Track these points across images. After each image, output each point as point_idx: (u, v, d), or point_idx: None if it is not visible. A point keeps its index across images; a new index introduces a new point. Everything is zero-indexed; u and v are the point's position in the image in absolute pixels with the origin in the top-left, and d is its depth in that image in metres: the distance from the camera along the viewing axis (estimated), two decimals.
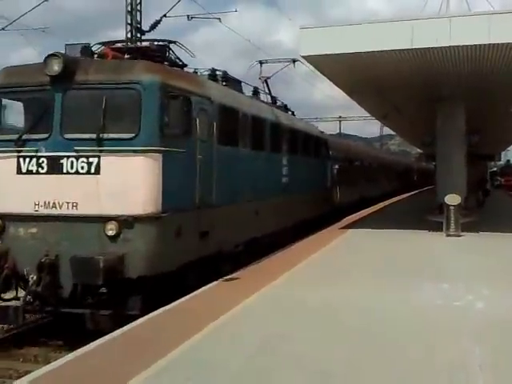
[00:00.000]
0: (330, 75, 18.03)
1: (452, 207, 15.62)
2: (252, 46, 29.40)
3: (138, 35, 20.43)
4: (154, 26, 20.02)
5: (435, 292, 8.69)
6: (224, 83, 12.69)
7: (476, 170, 31.77)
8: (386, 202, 32.77)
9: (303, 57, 15.22)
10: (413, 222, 18.49)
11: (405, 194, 44.38)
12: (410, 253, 12.94)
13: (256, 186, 12.76)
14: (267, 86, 17.93)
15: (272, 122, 14.59)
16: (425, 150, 43.19)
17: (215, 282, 9.45)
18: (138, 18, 21.58)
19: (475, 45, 14.02)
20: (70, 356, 5.85)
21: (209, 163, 9.89)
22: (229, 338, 6.40)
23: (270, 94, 17.75)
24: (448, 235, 15.60)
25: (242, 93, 13.96)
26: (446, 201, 15.87)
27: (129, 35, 20.52)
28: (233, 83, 13.21)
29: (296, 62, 19.03)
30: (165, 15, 14.25)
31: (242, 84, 14.85)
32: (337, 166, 23.49)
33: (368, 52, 14.69)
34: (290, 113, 18.63)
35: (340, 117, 63.95)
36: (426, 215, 19.68)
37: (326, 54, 14.95)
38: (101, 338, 6.39)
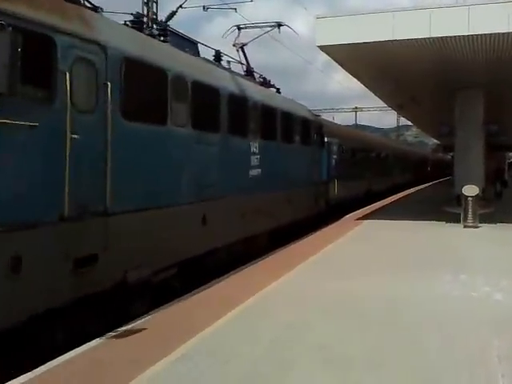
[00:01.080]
0: (346, 65, 17.95)
1: (470, 198, 15.47)
2: (268, 36, 29.36)
3: (155, 26, 20.53)
4: (170, 17, 20.05)
5: (453, 283, 8.64)
6: (162, 39, 9.56)
7: (494, 161, 31.40)
8: (396, 196, 31.28)
9: (319, 47, 15.14)
10: (430, 214, 18.38)
11: (417, 186, 42.55)
12: (428, 244, 12.85)
13: (203, 182, 9.32)
14: (244, 53, 15.19)
15: (232, 94, 10.84)
16: (442, 141, 42.85)
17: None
18: (155, 9, 21.60)
19: (494, 33, 13.87)
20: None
21: (96, 147, 6.46)
22: None
23: (246, 63, 14.92)
24: (465, 226, 15.48)
25: (198, 56, 10.79)
26: (463, 192, 15.73)
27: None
28: (178, 41, 10.00)
29: (282, 27, 16.14)
30: (181, 6, 14.15)
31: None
32: (335, 156, 20.39)
33: (385, 41, 14.60)
34: (274, 90, 15.58)
35: (356, 107, 63.69)
36: (443, 206, 19.53)
37: (343, 44, 14.89)
38: None
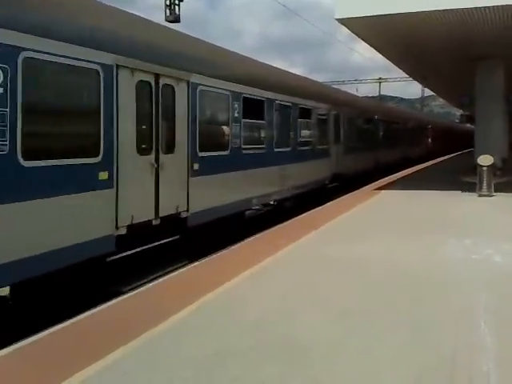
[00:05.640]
0: (366, 38, 18.15)
1: (484, 168, 15.80)
2: (288, 9, 28.87)
3: (177, 1, 21.05)
4: None
5: (457, 247, 9.14)
6: None
7: None
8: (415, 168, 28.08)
9: (338, 20, 15.38)
10: (447, 183, 18.75)
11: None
12: (439, 212, 13.34)
13: None
14: None
15: None
16: (465, 111, 42.53)
17: None
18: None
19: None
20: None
21: None
22: None
23: None
24: (480, 195, 15.84)
25: None
26: (478, 161, 16.06)
27: (167, 2, 21.01)
28: None
29: None
30: None
31: None
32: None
33: (405, 13, 14.76)
34: None
35: (380, 78, 63.24)
36: (460, 176, 19.84)
37: (362, 17, 15.10)
38: None
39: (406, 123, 35.01)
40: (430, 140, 45.32)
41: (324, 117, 18.58)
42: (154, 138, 8.73)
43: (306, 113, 16.55)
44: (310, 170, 16.85)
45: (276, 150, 14.07)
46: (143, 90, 8.51)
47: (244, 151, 12.17)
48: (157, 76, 8.80)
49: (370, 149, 25.40)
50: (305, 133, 16.72)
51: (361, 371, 4.47)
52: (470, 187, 16.80)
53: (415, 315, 5.82)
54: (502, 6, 14.18)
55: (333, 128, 19.44)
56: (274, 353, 4.82)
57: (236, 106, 11.80)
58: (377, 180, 22.00)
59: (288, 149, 15.09)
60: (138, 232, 8.21)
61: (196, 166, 9.92)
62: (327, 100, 19.10)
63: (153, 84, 8.73)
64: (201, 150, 10.15)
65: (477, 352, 4.83)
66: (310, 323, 5.58)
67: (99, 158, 7.44)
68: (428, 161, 35.04)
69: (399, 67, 26.26)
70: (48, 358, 4.81)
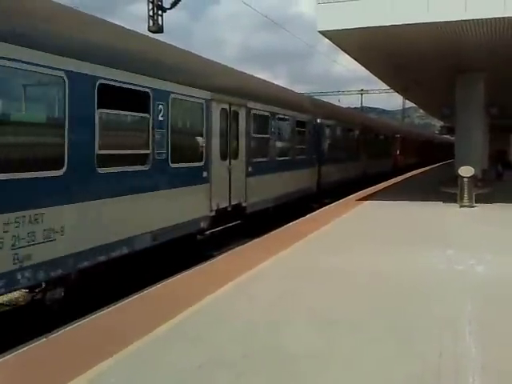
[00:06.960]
0: (348, 50, 18.28)
1: (465, 179, 16.00)
2: (271, 20, 29.07)
3: (160, 12, 21.03)
4: (175, 3, 20.51)
5: (440, 257, 9.21)
6: None
7: (497, 142, 31.74)
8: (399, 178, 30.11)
9: (320, 32, 15.48)
10: (428, 194, 18.93)
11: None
12: (421, 223, 13.46)
13: None
14: None
15: None
16: (445, 123, 43.11)
17: None
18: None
19: (490, 18, 14.20)
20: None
21: None
22: None
23: None
24: (461, 206, 16.02)
25: None
26: (459, 172, 16.26)
27: (151, 13, 20.95)
28: None
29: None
30: None
31: None
32: None
33: (388, 26, 14.88)
34: None
35: (362, 90, 63.86)
36: (441, 187, 20.06)
37: (344, 29, 15.21)
38: None
39: (365, 131, 28.43)
40: (398, 152, 38.46)
41: (194, 113, 11.05)
42: None
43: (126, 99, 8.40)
44: (152, 210, 9.05)
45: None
46: None
47: None
48: None
49: (305, 165, 18.52)
50: (134, 140, 9.15)
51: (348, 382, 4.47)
52: (451, 198, 16.97)
53: (400, 326, 5.84)
54: (479, 20, 14.39)
55: (218, 134, 11.73)
56: (261, 364, 4.80)
57: None
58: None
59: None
60: None
61: None
62: (203, 83, 11.06)
63: None
64: None
65: (462, 362, 4.85)
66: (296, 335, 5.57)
67: None
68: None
69: (380, 79, 26.51)
70: (31, 372, 4.75)
